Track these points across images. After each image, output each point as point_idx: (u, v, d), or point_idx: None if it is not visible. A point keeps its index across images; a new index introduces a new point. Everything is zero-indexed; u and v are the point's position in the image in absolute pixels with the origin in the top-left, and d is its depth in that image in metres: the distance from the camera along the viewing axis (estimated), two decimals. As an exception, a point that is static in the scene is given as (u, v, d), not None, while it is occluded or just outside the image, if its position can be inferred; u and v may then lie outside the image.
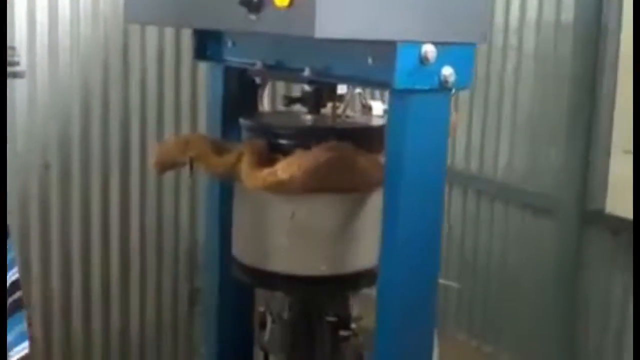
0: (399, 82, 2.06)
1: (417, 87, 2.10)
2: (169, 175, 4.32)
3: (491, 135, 4.28)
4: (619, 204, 3.45)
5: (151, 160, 2.94)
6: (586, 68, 3.62)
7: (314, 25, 1.86)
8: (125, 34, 4.17)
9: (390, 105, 2.18)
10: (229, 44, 2.70)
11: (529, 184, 4.07)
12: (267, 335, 2.96)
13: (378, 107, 2.66)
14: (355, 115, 2.67)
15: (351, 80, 2.38)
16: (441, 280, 2.29)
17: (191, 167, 2.66)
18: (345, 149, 2.40)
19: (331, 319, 2.82)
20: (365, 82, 2.29)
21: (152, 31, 4.23)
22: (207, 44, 2.81)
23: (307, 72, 2.31)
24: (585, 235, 3.72)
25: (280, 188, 2.38)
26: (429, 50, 2.07)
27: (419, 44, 2.07)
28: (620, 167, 3.43)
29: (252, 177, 2.42)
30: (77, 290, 4.25)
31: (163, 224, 4.50)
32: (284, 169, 2.34)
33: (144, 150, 4.29)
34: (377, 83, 2.20)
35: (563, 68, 3.82)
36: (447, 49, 2.11)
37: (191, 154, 2.64)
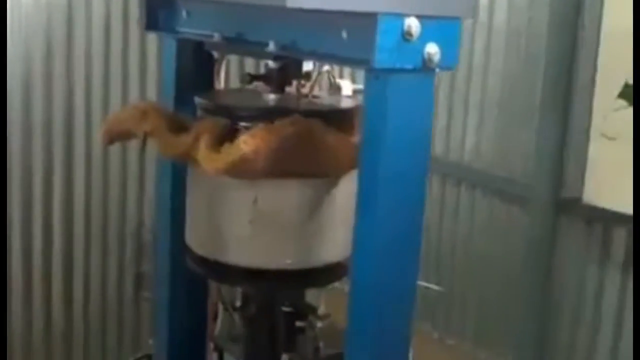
0: (379, 60, 1.81)
1: (399, 66, 1.85)
2: (116, 151, 4.11)
3: (458, 116, 4.07)
4: (597, 192, 3.26)
5: (99, 130, 2.63)
6: (563, 45, 3.42)
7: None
8: (69, 1, 3.90)
9: (367, 86, 1.92)
10: (183, 13, 2.41)
11: (498, 169, 3.87)
12: (218, 326, 2.75)
13: (347, 87, 2.41)
14: (322, 95, 2.42)
15: (322, 57, 2.11)
16: (421, 282, 2.06)
17: (144, 143, 2.39)
18: (314, 123, 2.16)
19: (287, 309, 2.60)
20: (338, 60, 2.02)
21: (99, -1, 4.00)
22: (158, 13, 2.52)
23: (271, 47, 2.05)
24: (559, 225, 3.52)
25: (242, 167, 2.10)
26: (413, 24, 1.82)
27: (401, 16, 1.82)
28: (598, 152, 3.23)
29: (210, 159, 2.15)
30: (17, 271, 4.00)
31: (108, 203, 4.27)
32: (247, 141, 2.07)
33: (89, 126, 4.05)
34: (352, 61, 1.94)
35: (537, 45, 3.61)
36: (432, 24, 1.86)
37: (147, 127, 2.35)
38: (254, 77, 2.30)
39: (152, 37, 3.78)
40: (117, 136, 2.53)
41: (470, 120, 4.03)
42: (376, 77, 1.88)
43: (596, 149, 3.25)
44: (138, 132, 2.37)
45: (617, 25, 3.14)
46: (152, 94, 4.00)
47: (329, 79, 2.40)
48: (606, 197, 3.23)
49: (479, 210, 4.00)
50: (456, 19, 1.93)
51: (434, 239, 4.16)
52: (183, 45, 2.54)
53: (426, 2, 1.86)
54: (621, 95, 3.12)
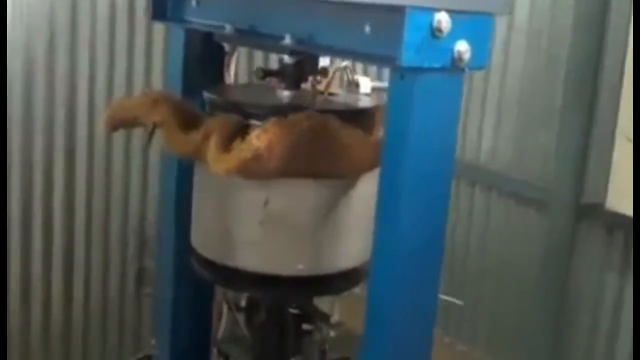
0: (406, 58, 1.68)
1: (427, 65, 1.72)
2: (119, 143, 4.03)
3: (475, 116, 3.96)
4: (620, 198, 3.15)
5: (102, 118, 2.52)
6: (589, 45, 3.31)
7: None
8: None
9: (392, 85, 1.79)
10: (193, 2, 2.33)
11: (515, 171, 3.75)
12: (222, 328, 2.70)
13: (366, 84, 2.30)
14: (339, 93, 2.30)
15: (341, 53, 2.00)
16: (442, 296, 1.94)
17: (151, 135, 2.27)
18: (329, 118, 2.04)
19: (294, 311, 2.51)
20: (360, 56, 1.90)
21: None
22: (166, 2, 2.44)
23: (287, 40, 1.93)
24: (579, 231, 3.42)
25: (254, 166, 1.98)
26: (443, 19, 1.70)
27: (431, 10, 1.69)
28: (623, 156, 3.11)
29: (220, 160, 2.03)
30: (16, 268, 3.90)
31: (110, 197, 4.17)
32: (260, 136, 1.95)
33: (92, 119, 3.94)
34: (375, 57, 1.82)
35: (559, 45, 3.49)
36: (463, 19, 1.74)
37: (156, 118, 2.23)
38: (268, 73, 2.17)
39: (158, 28, 3.69)
40: (121, 123, 2.42)
41: (487, 120, 3.92)
42: (402, 76, 1.75)
43: (621, 152, 3.12)
44: (147, 121, 2.26)
45: None
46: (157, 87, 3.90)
47: (347, 75, 2.29)
48: (629, 203, 3.10)
49: (494, 213, 3.88)
50: (489, 15, 1.80)
51: (447, 242, 4.05)
52: (191, 36, 2.45)
53: (457, -5, 1.74)
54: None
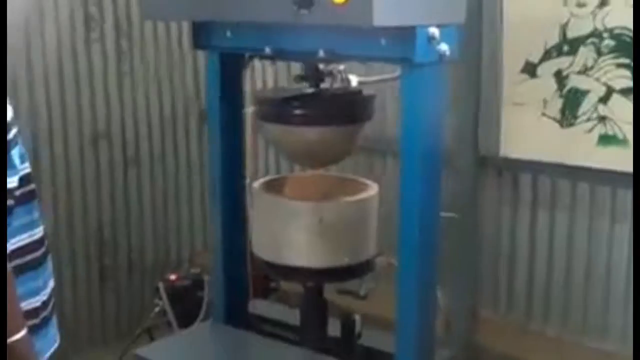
0: (417, 57, 2.63)
1: (427, 60, 2.67)
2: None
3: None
4: (509, 148, 4.15)
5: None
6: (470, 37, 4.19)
7: (372, 16, 2.39)
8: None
9: (405, 77, 2.72)
10: (228, 33, 3.04)
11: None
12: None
13: (354, 80, 3.10)
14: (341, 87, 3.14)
15: (362, 59, 2.92)
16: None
17: None
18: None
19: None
20: (377, 60, 2.84)
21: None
22: (203, 33, 3.14)
23: (321, 54, 2.80)
24: (479, 176, 4.27)
25: None
26: (435, 31, 2.65)
27: (428, 26, 2.64)
28: (511, 117, 4.11)
29: None
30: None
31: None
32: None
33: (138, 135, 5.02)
34: (391, 60, 2.74)
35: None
36: (444, 30, 2.70)
37: None
38: (301, 77, 3.05)
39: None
40: None
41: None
42: (412, 69, 2.69)
43: (508, 113, 4.12)
44: None
45: (515, 15, 3.99)
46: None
47: (342, 74, 3.14)
48: (516, 150, 4.11)
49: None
50: (457, 25, 2.77)
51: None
52: (225, 59, 3.18)
53: (440, 15, 2.69)
54: (523, 70, 4.02)
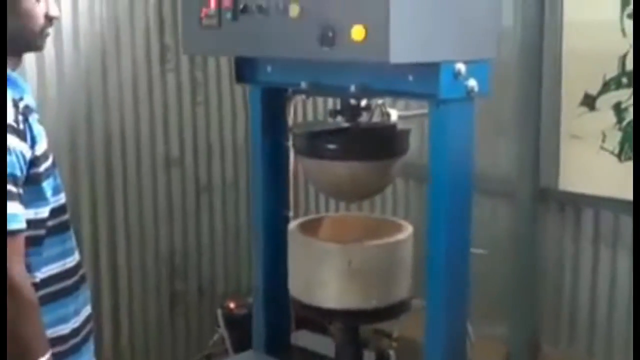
0: (441, 93, 2.63)
1: (453, 97, 2.67)
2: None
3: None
4: (569, 181, 4.10)
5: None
6: (530, 69, 4.19)
7: (388, 53, 2.41)
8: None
9: (432, 113, 2.73)
10: (268, 68, 3.12)
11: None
12: None
13: (394, 114, 3.14)
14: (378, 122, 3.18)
15: (391, 94, 2.94)
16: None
17: None
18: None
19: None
20: (406, 95, 2.86)
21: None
22: (246, 68, 3.22)
23: (352, 89, 2.83)
24: (539, 210, 4.25)
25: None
26: (461, 67, 2.65)
27: (454, 62, 2.64)
28: (569, 149, 4.06)
29: None
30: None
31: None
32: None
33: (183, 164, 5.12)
34: (418, 95, 2.75)
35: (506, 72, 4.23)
36: (472, 65, 2.69)
37: None
38: (336, 112, 3.08)
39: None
40: None
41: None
42: (438, 105, 2.68)
43: (566, 146, 4.08)
44: None
45: (575, 47, 3.97)
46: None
47: (382, 108, 3.16)
48: (577, 184, 4.06)
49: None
50: (487, 60, 2.76)
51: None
52: (268, 93, 3.24)
53: (468, 51, 2.69)
54: (582, 103, 3.97)
